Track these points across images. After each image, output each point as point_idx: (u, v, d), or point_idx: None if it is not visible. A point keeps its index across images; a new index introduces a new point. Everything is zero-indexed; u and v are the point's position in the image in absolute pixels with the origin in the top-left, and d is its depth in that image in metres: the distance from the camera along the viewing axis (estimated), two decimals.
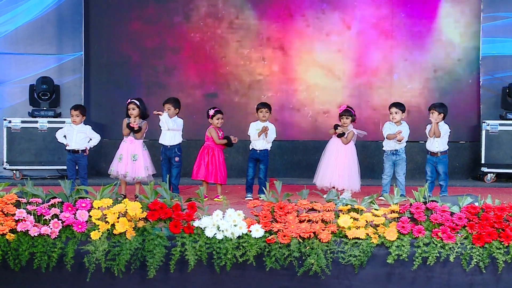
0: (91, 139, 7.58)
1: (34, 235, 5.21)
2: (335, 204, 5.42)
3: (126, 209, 5.25)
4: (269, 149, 7.81)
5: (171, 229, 5.21)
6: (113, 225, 5.21)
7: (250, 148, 7.82)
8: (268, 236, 5.21)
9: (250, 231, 5.21)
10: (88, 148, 7.55)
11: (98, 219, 5.24)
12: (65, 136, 7.55)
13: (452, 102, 9.30)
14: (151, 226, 5.27)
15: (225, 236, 5.20)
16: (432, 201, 5.43)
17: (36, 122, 9.64)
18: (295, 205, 5.36)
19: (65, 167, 8.11)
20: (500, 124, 9.65)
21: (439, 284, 5.28)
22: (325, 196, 5.67)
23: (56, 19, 10.27)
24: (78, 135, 7.50)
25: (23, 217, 5.25)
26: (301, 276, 5.21)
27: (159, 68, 10.32)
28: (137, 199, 6.36)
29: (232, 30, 10.31)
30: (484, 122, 9.71)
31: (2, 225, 5.21)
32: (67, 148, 7.54)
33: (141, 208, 5.27)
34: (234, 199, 7.51)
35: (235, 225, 5.22)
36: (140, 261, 5.21)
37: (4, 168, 9.67)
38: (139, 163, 7.42)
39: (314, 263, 5.15)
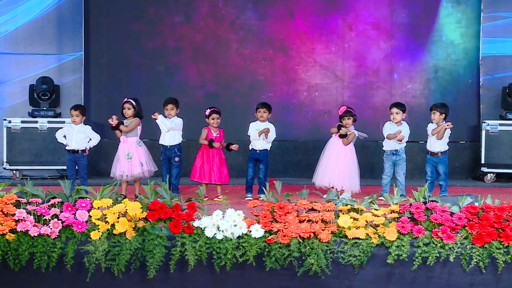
0: (91, 139, 7.58)
1: (34, 235, 5.21)
2: (335, 204, 5.42)
3: (126, 209, 5.25)
4: (269, 149, 7.80)
5: (171, 229, 5.21)
6: (113, 225, 5.21)
7: (250, 148, 7.81)
8: (268, 236, 5.21)
9: (250, 231, 5.21)
10: (88, 148, 7.56)
11: (98, 219, 5.24)
12: (65, 136, 7.55)
13: (452, 102, 9.29)
14: (151, 226, 5.27)
15: (225, 236, 5.20)
16: (432, 201, 5.43)
17: (36, 122, 9.64)
18: (295, 205, 5.36)
19: (65, 167, 8.11)
20: (500, 124, 9.65)
21: (439, 284, 5.28)
22: (325, 196, 5.67)
23: (56, 19, 10.27)
24: (78, 135, 7.50)
25: (23, 217, 5.25)
26: (301, 276, 5.21)
27: (160, 68, 10.33)
28: (137, 199, 6.36)
29: (233, 30, 10.32)
30: (484, 122, 9.71)
31: (2, 225, 5.21)
32: (67, 148, 7.54)
33: (141, 208, 5.27)
34: (234, 199, 7.51)
35: (235, 225, 5.22)
36: (140, 261, 5.21)
37: (4, 168, 9.67)
38: (134, 160, 7.43)
39: (314, 263, 5.15)
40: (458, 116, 9.65)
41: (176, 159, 7.59)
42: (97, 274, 5.21)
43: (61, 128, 7.68)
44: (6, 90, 10.28)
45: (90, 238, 5.18)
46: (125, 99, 7.61)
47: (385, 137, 7.65)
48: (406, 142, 7.65)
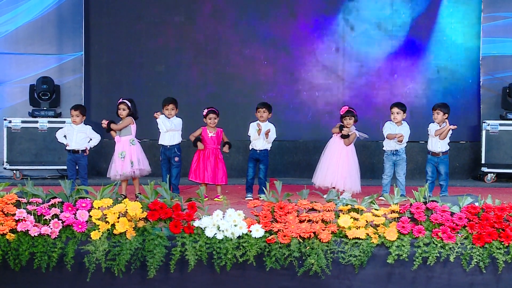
0: (91, 139, 7.58)
1: (34, 235, 5.21)
2: (335, 204, 5.42)
3: (126, 209, 5.26)
4: (269, 149, 7.80)
5: (171, 229, 5.21)
6: (113, 225, 5.21)
7: (250, 148, 7.81)
8: (268, 236, 5.21)
9: (250, 231, 5.21)
10: (88, 148, 7.56)
11: (98, 219, 5.24)
12: (65, 136, 7.55)
13: (452, 102, 9.29)
14: (151, 226, 5.27)
15: (225, 236, 5.20)
16: (432, 201, 5.43)
17: (36, 122, 9.64)
18: (295, 205, 5.36)
19: (65, 167, 8.12)
20: (500, 124, 9.65)
21: (439, 284, 5.28)
22: (325, 196, 5.67)
23: (56, 19, 10.27)
24: (78, 135, 7.50)
25: (23, 217, 5.25)
26: (301, 276, 5.22)
27: (161, 68, 10.32)
28: (137, 199, 6.36)
29: (234, 30, 10.32)
30: (484, 122, 9.71)
31: (2, 225, 5.21)
32: (67, 148, 7.54)
33: (141, 208, 5.27)
34: (234, 199, 7.51)
35: (235, 225, 5.22)
36: (140, 261, 5.21)
37: (4, 168, 9.67)
38: (126, 159, 7.45)
39: (314, 263, 5.15)
40: (458, 116, 9.65)
41: (176, 159, 7.60)
42: (97, 274, 5.21)
43: (62, 128, 7.68)
44: (7, 90, 10.28)
45: (90, 238, 5.18)
46: (120, 100, 7.63)
47: (385, 137, 7.65)
48: (406, 142, 7.65)
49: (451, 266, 5.26)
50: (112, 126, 7.52)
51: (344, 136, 7.54)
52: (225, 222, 5.24)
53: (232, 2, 10.32)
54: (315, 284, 5.24)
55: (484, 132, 9.65)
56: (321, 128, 10.08)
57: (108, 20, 10.29)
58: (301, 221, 5.27)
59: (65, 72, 10.27)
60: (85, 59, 10.21)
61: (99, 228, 5.19)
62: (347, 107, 7.74)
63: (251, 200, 6.88)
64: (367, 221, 5.31)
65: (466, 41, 10.27)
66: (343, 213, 5.37)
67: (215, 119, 7.68)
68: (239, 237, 5.21)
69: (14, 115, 9.85)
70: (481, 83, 10.21)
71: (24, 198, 5.41)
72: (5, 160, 9.60)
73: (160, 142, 7.68)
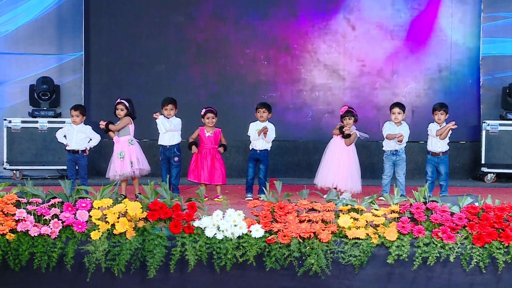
0: (91, 139, 7.58)
1: (34, 235, 5.21)
2: (335, 204, 5.42)
3: (126, 209, 5.26)
4: (269, 149, 7.81)
5: (171, 229, 5.21)
6: (113, 225, 5.21)
7: (250, 148, 7.82)
8: (268, 236, 5.21)
9: (250, 231, 5.21)
10: (88, 148, 7.56)
11: (98, 219, 5.24)
12: (65, 136, 7.55)
13: (452, 102, 9.29)
14: (151, 226, 5.27)
15: (225, 236, 5.20)
16: (432, 201, 5.43)
17: (36, 122, 9.64)
18: (295, 205, 5.36)
19: (65, 167, 8.11)
20: (500, 124, 9.65)
21: (439, 284, 5.28)
22: (325, 196, 5.67)
23: (56, 19, 10.27)
24: (78, 135, 7.50)
25: (23, 217, 5.25)
26: (301, 276, 5.21)
27: (161, 68, 10.32)
28: (137, 199, 6.36)
29: (236, 30, 10.32)
30: (484, 122, 9.71)
31: (2, 225, 5.21)
32: (67, 148, 7.54)
33: (141, 208, 5.27)
34: (234, 199, 7.51)
35: (235, 225, 5.22)
36: (140, 261, 5.21)
37: (4, 168, 9.68)
38: (125, 159, 7.45)
39: (314, 263, 5.14)
40: (458, 116, 9.61)
41: (176, 159, 7.60)
42: (97, 274, 5.21)
43: (61, 128, 7.68)
44: (6, 90, 10.29)
45: (90, 238, 5.18)
46: (118, 100, 7.64)
47: (385, 137, 7.66)
48: (406, 142, 7.65)
49: (451, 266, 5.26)
50: (111, 127, 7.53)
51: (345, 136, 7.54)
52: (225, 222, 5.24)
53: (232, 2, 10.32)
54: (315, 284, 5.24)
55: (484, 132, 9.65)
56: (321, 128, 10.09)
57: (108, 20, 10.29)
58: (301, 221, 5.27)
59: (65, 72, 10.28)
60: (85, 59, 10.21)
61: (99, 228, 5.19)
62: (347, 107, 7.75)
63: (251, 200, 6.88)
64: (367, 221, 5.31)
65: (466, 41, 10.27)
66: (343, 213, 5.37)
67: (213, 118, 7.69)
68: (239, 237, 5.21)
69: (14, 115, 9.86)
70: (481, 83, 10.21)
71: (24, 198, 5.41)
72: (5, 160, 9.61)
73: (159, 142, 7.69)
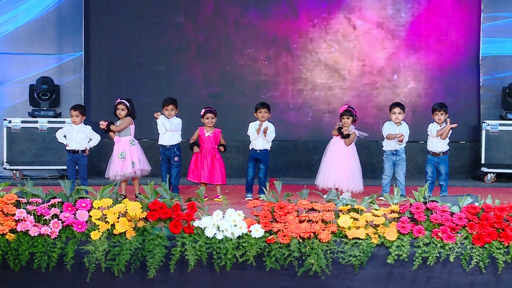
0: (91, 139, 7.58)
1: (34, 235, 5.21)
2: (335, 204, 5.42)
3: (126, 209, 5.26)
4: (269, 149, 7.80)
5: (171, 229, 5.21)
6: (113, 225, 5.21)
7: (250, 148, 7.82)
8: (268, 236, 5.21)
9: (250, 231, 5.21)
10: (88, 148, 7.55)
11: (98, 219, 5.24)
12: (65, 136, 7.55)
13: (452, 102, 9.30)
14: (151, 226, 5.27)
15: (225, 236, 5.20)
16: (432, 201, 5.43)
17: (36, 122, 9.63)
18: (295, 205, 5.36)
19: (65, 167, 8.11)
20: (500, 124, 9.65)
21: (439, 284, 5.28)
22: (325, 196, 5.68)
23: (56, 19, 10.26)
24: (78, 135, 7.50)
25: (23, 217, 5.25)
26: (301, 276, 5.22)
27: (161, 68, 10.31)
28: (137, 199, 6.36)
29: (237, 30, 10.31)
30: (484, 122, 9.71)
31: (2, 225, 5.21)
32: (67, 148, 7.54)
33: (141, 208, 5.28)
34: (234, 199, 7.51)
35: (235, 225, 5.22)
36: (140, 261, 5.21)
37: (4, 168, 9.67)
38: (126, 159, 7.45)
39: (314, 263, 5.15)
40: (458, 116, 9.62)
41: (176, 159, 7.60)
42: (97, 274, 5.21)
43: (61, 128, 7.68)
44: (6, 90, 10.28)
45: (90, 238, 5.18)
46: (118, 100, 7.64)
47: (385, 137, 7.66)
48: (406, 142, 7.65)
49: (451, 266, 5.26)
50: (112, 127, 7.52)
51: (344, 136, 7.54)
52: (225, 222, 5.24)
53: (233, 2, 10.31)
54: (315, 284, 5.24)
55: (484, 132, 9.65)
56: (321, 128, 10.08)
57: (108, 20, 10.28)
58: (301, 221, 5.27)
59: (65, 72, 10.27)
60: (85, 59, 10.20)
61: (99, 228, 5.20)
62: (347, 106, 7.76)
63: (251, 200, 6.88)
64: (367, 221, 5.31)
65: (466, 41, 10.27)
66: (343, 213, 5.37)
67: (213, 118, 7.69)
68: (239, 237, 5.21)
69: (14, 115, 9.85)
70: (481, 83, 10.21)
71: (24, 198, 5.41)
72: (5, 160, 9.60)
73: (160, 142, 7.69)
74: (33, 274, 5.26)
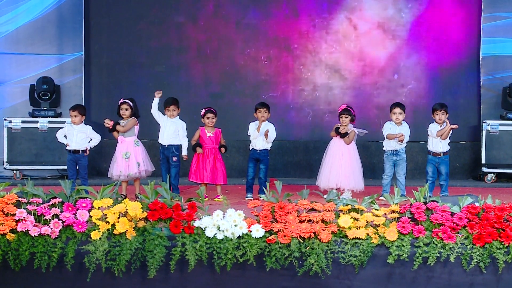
0: (91, 139, 7.58)
1: (34, 235, 5.21)
2: (336, 204, 5.42)
3: (127, 209, 5.26)
4: (269, 149, 7.80)
5: (172, 229, 5.21)
6: (113, 225, 5.21)
7: (250, 148, 7.81)
8: (269, 236, 5.21)
9: (251, 231, 5.21)
10: (89, 148, 7.55)
11: (99, 219, 5.24)
12: (65, 136, 7.54)
13: (452, 102, 9.30)
14: (152, 226, 5.27)
15: (226, 236, 5.20)
16: (433, 201, 5.43)
17: (37, 122, 9.64)
18: (296, 205, 5.36)
19: (65, 167, 8.11)
20: (501, 124, 9.65)
21: (440, 284, 5.28)
22: (325, 196, 5.68)
23: (56, 19, 10.27)
24: (78, 135, 7.49)
25: (24, 217, 5.26)
26: (302, 276, 5.22)
27: (162, 68, 10.31)
28: (137, 199, 6.36)
29: (237, 30, 10.31)
30: (484, 122, 9.71)
31: (2, 225, 5.21)
32: (67, 148, 7.54)
33: (142, 208, 5.28)
34: (235, 199, 7.51)
35: (235, 225, 5.22)
36: (141, 261, 5.21)
37: (5, 168, 9.67)
38: (131, 160, 7.45)
39: (314, 263, 5.15)
40: (458, 116, 9.64)
41: (174, 158, 7.59)
42: (97, 274, 5.21)
43: (62, 128, 7.68)
44: (7, 90, 10.28)
45: (91, 238, 5.19)
46: (122, 100, 7.64)
47: (385, 137, 7.66)
48: (406, 142, 7.65)
49: (451, 266, 5.26)
50: (118, 128, 7.51)
51: (343, 135, 7.54)
52: (225, 222, 5.24)
53: (234, 2, 10.31)
54: (315, 284, 5.24)
55: (484, 132, 9.65)
56: (322, 128, 10.08)
57: (108, 20, 10.29)
58: (301, 221, 5.27)
59: (65, 72, 10.27)
60: (85, 59, 10.21)
61: (99, 228, 5.20)
62: (345, 105, 7.76)
63: (251, 200, 6.88)
64: (367, 221, 5.31)
65: (467, 41, 10.27)
66: (343, 213, 5.37)
67: (213, 118, 7.69)
68: (239, 237, 5.21)
69: (14, 115, 9.85)
70: (481, 83, 10.21)
71: (24, 198, 5.41)
72: (5, 160, 9.60)
73: (159, 141, 7.68)
74: (33, 274, 5.26)
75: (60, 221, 5.26)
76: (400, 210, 5.38)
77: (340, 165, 7.54)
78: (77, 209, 5.31)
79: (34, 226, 5.24)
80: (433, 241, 5.22)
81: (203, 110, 7.76)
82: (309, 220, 5.28)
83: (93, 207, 5.29)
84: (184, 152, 7.64)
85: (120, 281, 5.25)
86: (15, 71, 10.25)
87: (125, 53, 10.30)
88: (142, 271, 5.23)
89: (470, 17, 10.25)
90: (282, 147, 10.00)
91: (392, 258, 5.19)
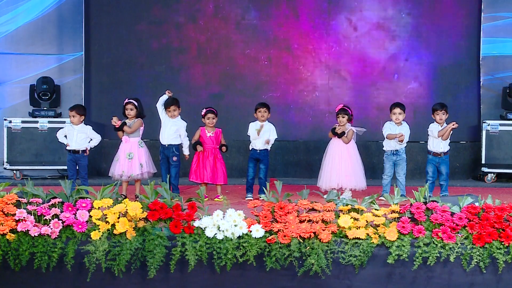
0: (91, 140, 7.57)
1: (34, 235, 5.21)
2: (336, 204, 5.42)
3: (127, 209, 5.26)
4: (269, 149, 7.81)
5: (172, 229, 5.22)
6: (113, 225, 5.21)
7: (250, 148, 7.82)
8: (269, 236, 5.21)
9: (251, 231, 5.21)
10: (89, 148, 7.55)
11: (99, 219, 5.24)
12: (65, 136, 7.54)
13: (452, 102, 9.30)
14: (152, 226, 5.28)
15: (226, 236, 5.20)
16: (433, 201, 5.43)
17: (37, 122, 9.64)
18: (296, 205, 5.36)
19: (65, 167, 8.12)
20: (501, 124, 9.65)
21: (440, 284, 5.28)
22: (325, 196, 5.68)
23: (56, 19, 10.27)
24: (78, 135, 7.49)
25: (24, 217, 5.26)
26: (302, 276, 5.22)
27: (162, 69, 10.31)
28: (137, 199, 6.36)
29: (237, 30, 10.31)
30: (484, 122, 9.71)
31: (2, 225, 5.21)
32: (67, 148, 7.53)
33: (142, 208, 5.28)
34: (235, 199, 7.51)
35: (235, 225, 5.23)
36: (141, 261, 5.22)
37: (5, 168, 9.68)
38: (134, 161, 7.44)
39: (314, 263, 5.15)
40: (458, 116, 9.63)
41: (174, 158, 7.59)
42: (97, 274, 5.21)
43: (62, 128, 7.67)
44: (7, 90, 10.28)
45: (91, 238, 5.19)
46: (127, 100, 7.62)
47: (385, 137, 7.66)
48: (406, 142, 7.65)
49: (451, 266, 5.26)
50: (125, 129, 7.48)
51: (340, 135, 7.54)
52: (225, 222, 5.24)
53: (234, 2, 10.31)
54: (315, 284, 5.25)
55: (484, 132, 9.65)
56: (322, 128, 10.05)
57: (108, 20, 10.29)
58: (301, 221, 5.27)
59: (65, 72, 10.27)
60: (85, 59, 10.20)
61: (99, 228, 5.20)
62: (342, 105, 7.77)
63: (251, 200, 6.88)
64: (367, 221, 5.31)
65: (467, 41, 10.27)
66: (343, 213, 5.37)
67: (214, 119, 7.69)
68: (239, 237, 5.21)
69: (14, 115, 9.85)
70: (481, 83, 10.21)
71: (24, 198, 5.41)
72: (5, 160, 9.60)
73: (160, 140, 7.67)
74: (33, 274, 5.26)
75: (60, 221, 5.26)
76: (400, 210, 5.38)
77: (341, 165, 7.54)
78: (77, 209, 5.31)
79: (34, 226, 5.24)
80: (433, 241, 5.22)
81: (204, 110, 7.76)
82: (309, 220, 5.28)
83: (93, 207, 5.30)
84: (186, 152, 7.64)
85: (120, 281, 5.25)
86: (15, 71, 10.24)
87: (125, 53, 10.30)
88: (142, 271, 5.23)
89: (470, 17, 10.25)
90: (282, 147, 10.00)
91: (392, 258, 5.19)
